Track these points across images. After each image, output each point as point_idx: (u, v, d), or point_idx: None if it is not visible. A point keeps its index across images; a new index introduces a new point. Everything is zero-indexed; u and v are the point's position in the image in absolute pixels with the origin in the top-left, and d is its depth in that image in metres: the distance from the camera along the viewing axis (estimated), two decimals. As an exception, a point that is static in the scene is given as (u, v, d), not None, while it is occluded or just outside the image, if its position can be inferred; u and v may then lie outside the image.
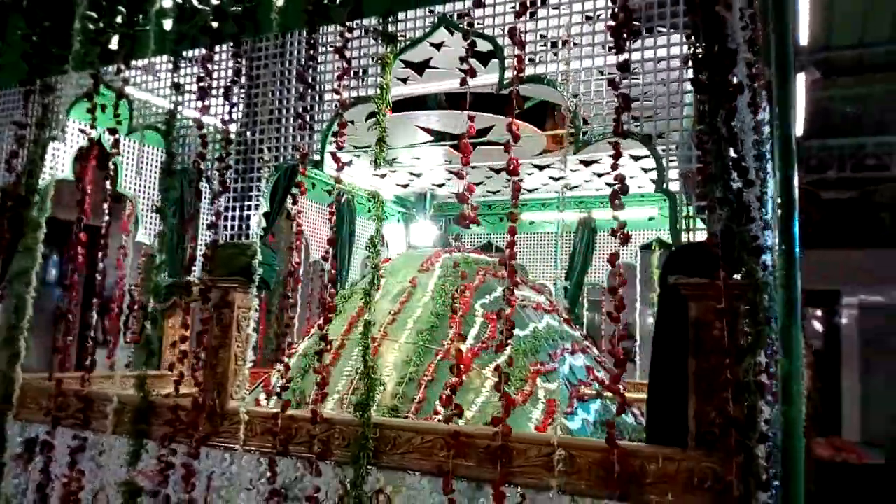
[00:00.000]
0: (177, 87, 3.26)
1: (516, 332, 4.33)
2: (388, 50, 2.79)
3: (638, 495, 2.20)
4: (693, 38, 2.30)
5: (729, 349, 2.12)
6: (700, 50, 2.26)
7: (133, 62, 3.42)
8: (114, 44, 3.49)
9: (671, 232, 2.39)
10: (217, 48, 3.18)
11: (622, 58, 2.38)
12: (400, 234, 8.21)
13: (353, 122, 5.05)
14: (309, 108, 2.95)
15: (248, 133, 3.09)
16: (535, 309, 4.85)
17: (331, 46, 2.94)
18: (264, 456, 2.82)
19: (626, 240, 2.23)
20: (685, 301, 2.24)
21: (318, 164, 2.96)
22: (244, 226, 3.06)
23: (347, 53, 2.82)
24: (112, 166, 3.78)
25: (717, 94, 2.24)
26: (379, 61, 2.80)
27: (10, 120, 3.82)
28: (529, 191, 7.56)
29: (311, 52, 2.92)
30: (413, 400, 3.82)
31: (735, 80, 2.23)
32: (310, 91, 2.94)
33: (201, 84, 3.15)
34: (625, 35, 2.38)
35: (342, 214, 7.05)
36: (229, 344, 2.98)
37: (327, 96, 2.97)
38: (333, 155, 2.80)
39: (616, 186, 2.32)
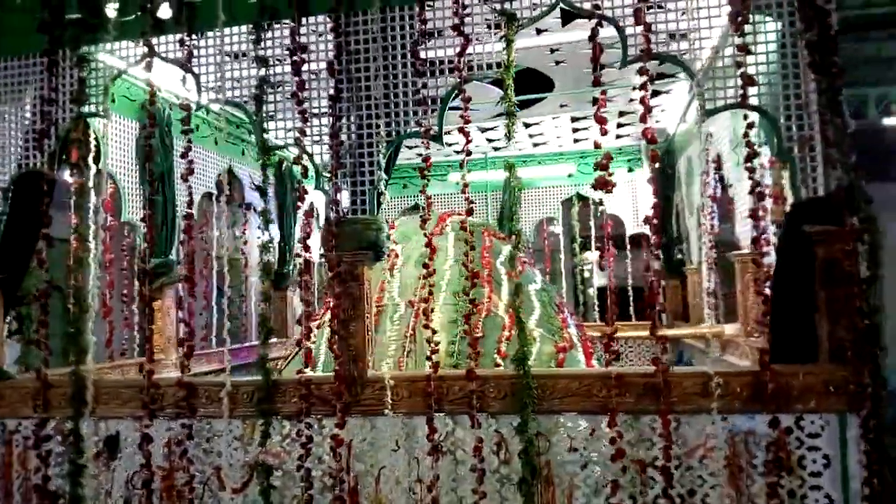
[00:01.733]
0: (263, 62, 3.18)
1: (532, 286, 4.71)
2: (510, 27, 2.97)
3: (786, 405, 2.69)
4: (804, 24, 2.75)
5: (855, 280, 2.65)
6: (814, 36, 2.72)
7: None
8: (163, 11, 3.29)
9: (791, 188, 2.85)
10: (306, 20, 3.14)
11: (739, 41, 2.78)
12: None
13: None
14: (426, 83, 3.04)
15: (363, 108, 3.11)
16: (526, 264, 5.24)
17: (439, 22, 3.05)
18: (413, 416, 2.97)
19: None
20: (810, 244, 2.74)
21: (438, 139, 3.08)
22: (360, 201, 3.11)
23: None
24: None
25: (828, 73, 2.72)
26: (501, 38, 2.97)
27: (32, 93, 3.45)
28: (457, 153, 7.85)
29: (423, 26, 3.01)
30: (470, 355, 4.07)
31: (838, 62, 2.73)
32: (425, 65, 3.03)
33: (295, 59, 3.11)
34: (741, 20, 2.79)
35: (285, 182, 6.92)
36: (361, 316, 3.06)
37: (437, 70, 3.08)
38: (462, 129, 2.96)
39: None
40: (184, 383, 3.16)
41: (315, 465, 3.02)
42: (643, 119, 2.85)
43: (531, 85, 5.60)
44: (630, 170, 7.91)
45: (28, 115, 3.50)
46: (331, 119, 3.10)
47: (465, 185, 3.01)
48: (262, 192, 3.24)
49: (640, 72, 2.86)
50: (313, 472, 3.02)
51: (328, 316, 4.72)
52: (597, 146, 2.80)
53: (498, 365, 3.98)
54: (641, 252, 6.82)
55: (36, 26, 3.42)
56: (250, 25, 3.21)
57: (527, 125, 6.98)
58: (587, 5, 2.93)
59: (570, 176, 8.03)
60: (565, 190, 8.06)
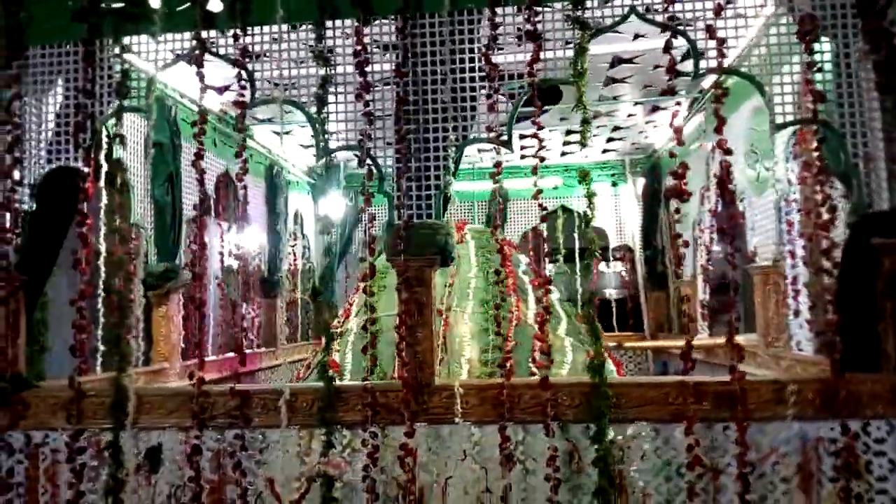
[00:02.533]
0: (323, 59, 3.09)
1: (554, 296, 4.73)
2: (582, 36, 2.98)
3: (856, 412, 2.77)
4: (869, 45, 2.86)
5: (921, 292, 2.75)
6: (881, 57, 2.83)
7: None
8: (213, 4, 3.16)
9: (856, 202, 2.94)
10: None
11: (808, 59, 2.88)
12: (309, 206, 8.01)
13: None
14: (496, 88, 3.01)
15: (429, 113, 3.06)
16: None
17: (517, 27, 3.03)
18: (482, 425, 2.92)
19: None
20: (875, 256, 2.83)
21: (507, 144, 3.05)
22: (425, 205, 3.05)
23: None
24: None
25: (892, 91, 2.84)
26: (575, 45, 2.97)
27: (64, 85, 3.26)
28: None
29: (495, 31, 2.99)
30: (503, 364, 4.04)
31: (902, 81, 2.84)
32: (495, 70, 3.00)
33: (358, 59, 3.04)
34: (810, 39, 2.88)
35: (275, 188, 6.76)
36: (428, 322, 2.99)
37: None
38: (535, 135, 2.95)
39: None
40: (237, 392, 3.02)
41: (378, 476, 2.93)
42: (718, 130, 2.91)
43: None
44: (614, 184, 8.05)
45: (59, 107, 3.30)
46: (396, 122, 3.03)
47: (539, 192, 2.99)
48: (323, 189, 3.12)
49: (715, 85, 2.92)
50: (377, 483, 2.92)
51: (353, 323, 4.64)
52: (673, 152, 2.83)
53: (533, 374, 3.96)
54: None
55: (70, 14, 3.23)
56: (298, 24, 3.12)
57: (522, 136, 7.03)
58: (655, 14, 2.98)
59: (555, 188, 8.11)
60: (550, 203, 8.14)
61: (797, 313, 4.13)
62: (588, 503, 2.87)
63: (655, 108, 6.36)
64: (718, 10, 2.93)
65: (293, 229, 7.43)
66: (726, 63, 3.00)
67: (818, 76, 2.99)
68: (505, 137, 3.06)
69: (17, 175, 3.21)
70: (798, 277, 4.09)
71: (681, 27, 2.99)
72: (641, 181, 7.63)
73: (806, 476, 2.81)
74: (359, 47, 3.02)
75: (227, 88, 5.34)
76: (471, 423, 2.92)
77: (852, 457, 2.76)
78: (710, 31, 2.92)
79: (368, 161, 3.07)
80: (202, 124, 3.10)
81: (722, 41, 2.93)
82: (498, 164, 3.05)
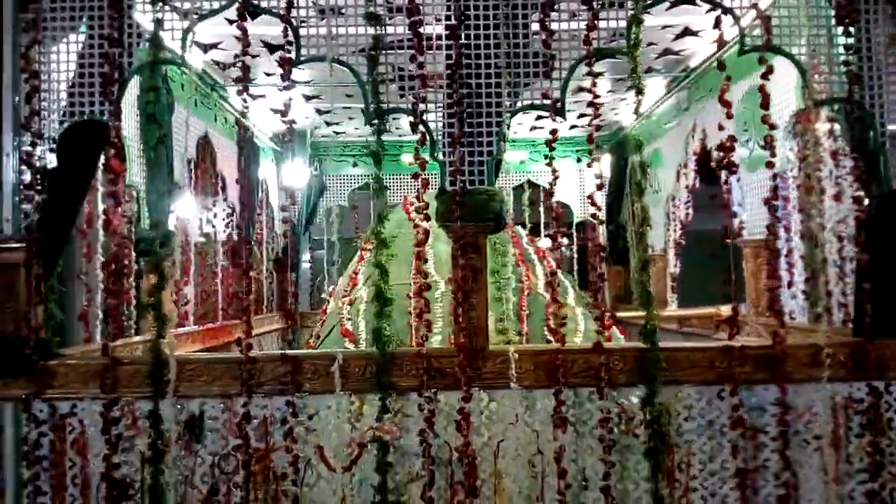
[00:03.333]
0: (374, 18, 3.01)
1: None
2: (638, 7, 3.02)
3: (886, 373, 2.98)
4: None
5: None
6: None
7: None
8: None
9: (884, 179, 3.13)
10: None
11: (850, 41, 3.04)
12: (274, 174, 7.79)
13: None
14: (552, 54, 3.02)
15: (482, 77, 3.03)
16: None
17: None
18: (534, 389, 2.97)
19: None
20: (901, 229, 3.04)
21: (560, 112, 3.07)
22: (478, 171, 3.04)
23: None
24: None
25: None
26: (629, 15, 3.02)
27: (91, 32, 3.03)
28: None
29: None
30: (519, 333, 4.10)
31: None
32: (551, 36, 3.00)
33: (413, 18, 2.98)
34: (848, 21, 3.04)
35: (248, 153, 6.53)
36: (483, 287, 3.00)
37: (564, 43, 3.07)
38: (591, 103, 2.99)
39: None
40: (288, 357, 2.94)
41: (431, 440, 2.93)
42: (763, 105, 3.03)
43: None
44: (578, 160, 8.22)
45: (82, 56, 3.07)
46: (450, 86, 3.00)
47: (595, 160, 3.02)
48: (378, 159, 3.05)
49: (760, 61, 3.04)
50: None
51: (362, 292, 4.57)
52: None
53: (549, 341, 4.03)
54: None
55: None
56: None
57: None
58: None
59: (521, 163, 8.21)
60: (517, 176, 8.24)
61: (790, 285, 4.37)
62: (635, 463, 2.99)
63: (630, 87, 6.51)
64: (761, -8, 3.03)
65: (259, 198, 7.23)
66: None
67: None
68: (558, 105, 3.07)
69: (36, 127, 2.98)
70: (793, 251, 4.33)
71: (726, 4, 3.08)
72: (607, 157, 7.81)
73: (835, 433, 3.01)
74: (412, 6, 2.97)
75: (213, 46, 5.12)
76: (524, 388, 2.96)
77: (877, 415, 2.98)
78: (758, 11, 3.03)
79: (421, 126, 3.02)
80: (246, 81, 2.97)
81: (768, 19, 3.04)
82: (553, 132, 3.05)
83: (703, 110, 5.54)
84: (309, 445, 2.96)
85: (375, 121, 3.04)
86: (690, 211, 6.09)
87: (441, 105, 3.06)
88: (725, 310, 5.13)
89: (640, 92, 3.01)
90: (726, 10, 3.07)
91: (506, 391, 2.98)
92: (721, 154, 3.02)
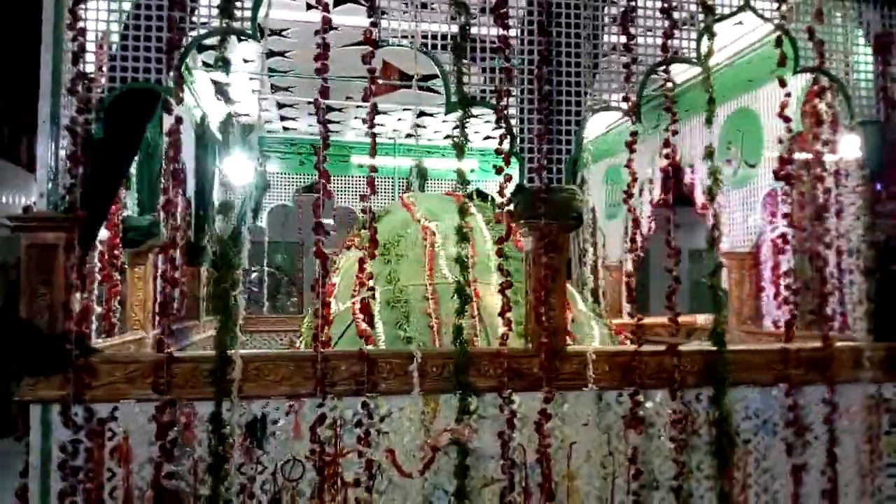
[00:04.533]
0: (464, 7, 2.92)
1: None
2: (709, 18, 3.12)
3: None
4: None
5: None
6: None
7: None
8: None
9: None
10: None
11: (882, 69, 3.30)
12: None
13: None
14: (634, 57, 3.06)
15: (563, 76, 3.02)
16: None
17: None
18: (609, 391, 2.97)
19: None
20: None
21: (637, 115, 3.11)
22: (556, 170, 3.01)
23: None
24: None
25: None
26: (702, 27, 3.11)
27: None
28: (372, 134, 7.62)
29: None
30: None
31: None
32: (630, 39, 3.04)
33: (501, 10, 2.92)
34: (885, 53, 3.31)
35: (205, 143, 6.11)
36: (561, 287, 2.96)
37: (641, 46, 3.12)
38: (667, 108, 3.05)
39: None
40: (364, 355, 2.76)
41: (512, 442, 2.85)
42: (783, 118, 3.22)
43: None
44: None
45: (136, 17, 2.75)
46: (537, 81, 2.97)
47: (669, 157, 3.08)
48: (461, 150, 2.94)
49: (782, 84, 3.24)
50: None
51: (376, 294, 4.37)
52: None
53: (568, 344, 4.04)
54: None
55: None
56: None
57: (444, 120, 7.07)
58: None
59: (472, 171, 8.22)
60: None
61: (776, 295, 4.65)
62: (698, 461, 3.05)
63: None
64: (819, 15, 3.24)
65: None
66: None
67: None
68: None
69: (82, 92, 2.63)
70: (780, 263, 4.61)
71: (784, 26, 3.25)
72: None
73: (870, 429, 3.23)
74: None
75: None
76: (598, 389, 2.96)
77: (907, 411, 3.24)
78: (811, 33, 3.23)
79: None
80: (324, 59, 2.78)
81: (821, 43, 3.25)
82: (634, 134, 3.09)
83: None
84: (379, 449, 2.79)
85: (459, 112, 2.93)
86: (653, 225, 6.34)
87: (523, 101, 3.01)
88: (701, 319, 5.42)
89: (711, 101, 3.10)
90: (787, 34, 3.24)
91: (578, 393, 2.95)
92: (778, 168, 3.18)
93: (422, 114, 6.99)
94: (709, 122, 3.12)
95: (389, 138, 7.83)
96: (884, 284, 3.40)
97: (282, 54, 5.15)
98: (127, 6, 2.76)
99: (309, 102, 6.54)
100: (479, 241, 4.56)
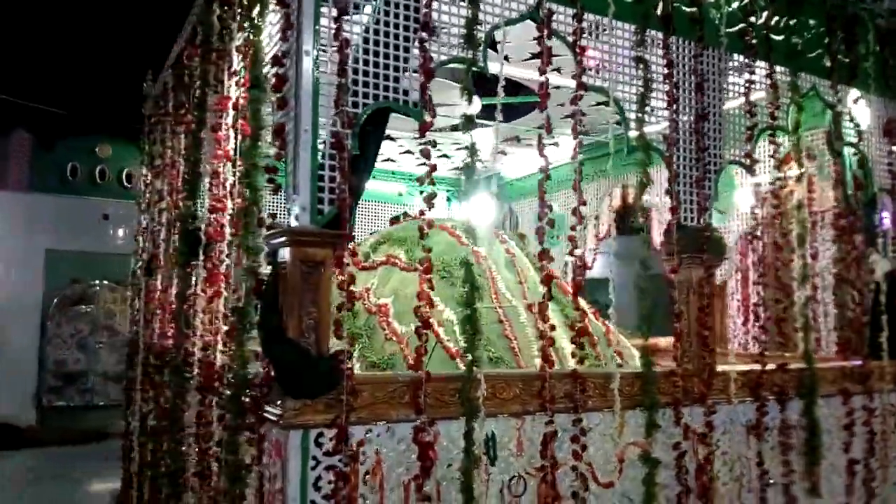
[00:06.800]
0: (643, 62, 3.28)
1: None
2: (794, 98, 3.81)
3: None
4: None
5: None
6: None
7: None
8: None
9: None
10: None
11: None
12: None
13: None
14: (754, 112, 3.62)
15: (710, 130, 3.49)
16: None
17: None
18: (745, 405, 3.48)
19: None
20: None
21: (751, 167, 3.67)
22: (698, 209, 3.47)
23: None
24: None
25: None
26: (794, 102, 3.79)
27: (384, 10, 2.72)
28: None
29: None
30: (593, 356, 4.45)
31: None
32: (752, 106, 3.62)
33: (670, 77, 3.35)
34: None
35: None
36: (713, 314, 3.41)
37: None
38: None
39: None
40: (577, 375, 2.97)
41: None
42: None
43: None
44: (449, 199, 8.71)
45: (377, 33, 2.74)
46: (694, 134, 3.42)
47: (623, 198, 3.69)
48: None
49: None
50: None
51: (448, 314, 4.41)
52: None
53: (620, 366, 4.48)
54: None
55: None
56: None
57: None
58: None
59: (399, 195, 8.39)
60: (395, 208, 8.37)
61: (746, 322, 5.53)
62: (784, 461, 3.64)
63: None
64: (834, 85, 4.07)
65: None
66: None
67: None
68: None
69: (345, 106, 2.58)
70: (750, 295, 5.49)
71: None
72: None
73: (887, 433, 4.09)
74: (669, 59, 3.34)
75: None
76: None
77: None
78: (835, 113, 4.06)
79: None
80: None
81: (854, 122, 4.11)
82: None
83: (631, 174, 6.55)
84: (582, 463, 3.01)
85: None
86: (597, 258, 7.03)
87: (684, 150, 3.42)
88: (664, 341, 6.18)
89: (802, 172, 3.78)
90: (833, 109, 4.03)
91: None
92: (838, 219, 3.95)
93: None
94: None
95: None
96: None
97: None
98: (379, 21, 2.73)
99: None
100: (524, 267, 4.85)
